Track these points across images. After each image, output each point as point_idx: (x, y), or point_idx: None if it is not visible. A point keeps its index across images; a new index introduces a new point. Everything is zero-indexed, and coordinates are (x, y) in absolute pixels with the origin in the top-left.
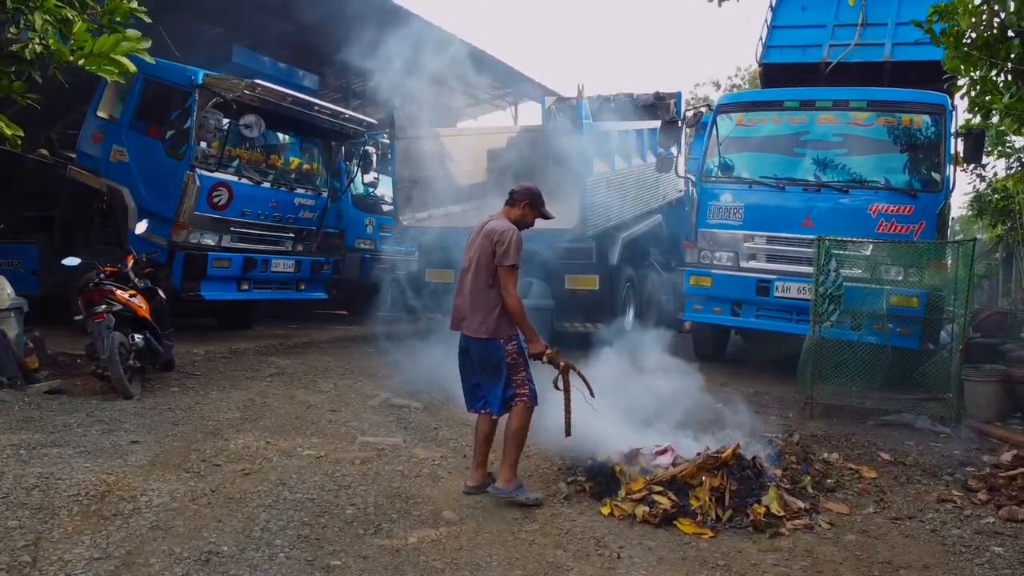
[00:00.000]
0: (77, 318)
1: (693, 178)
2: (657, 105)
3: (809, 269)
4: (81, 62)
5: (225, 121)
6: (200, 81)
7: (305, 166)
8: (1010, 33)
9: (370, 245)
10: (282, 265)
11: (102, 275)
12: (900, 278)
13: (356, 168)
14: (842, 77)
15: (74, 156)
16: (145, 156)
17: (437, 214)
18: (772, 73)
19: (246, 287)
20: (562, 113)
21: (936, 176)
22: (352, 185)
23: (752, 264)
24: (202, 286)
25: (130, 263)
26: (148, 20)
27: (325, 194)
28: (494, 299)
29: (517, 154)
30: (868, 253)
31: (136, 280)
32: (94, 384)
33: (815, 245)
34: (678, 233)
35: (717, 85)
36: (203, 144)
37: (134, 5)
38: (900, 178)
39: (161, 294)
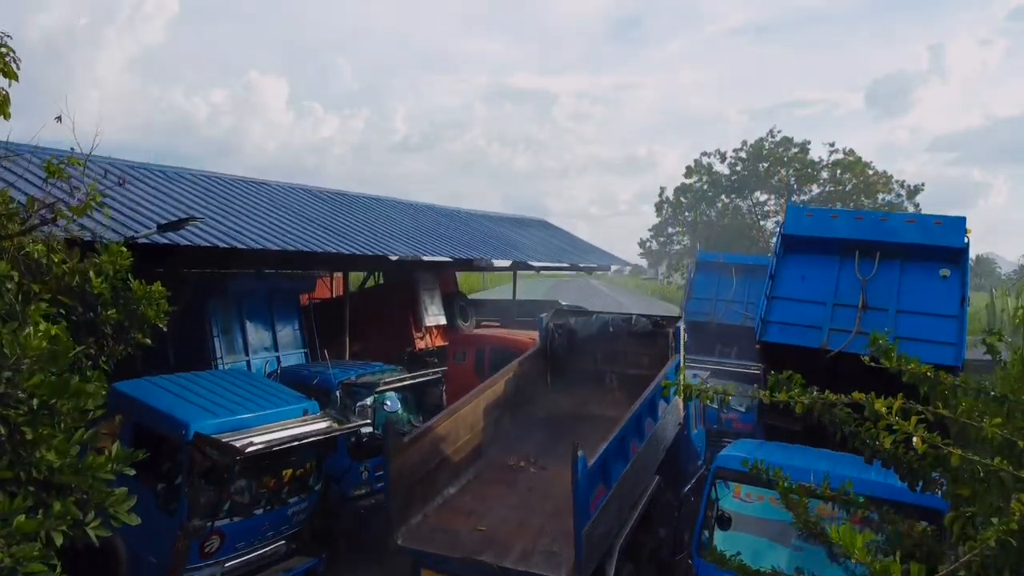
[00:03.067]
0: None
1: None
2: (656, 332)
3: None
4: None
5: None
6: (191, 438)
7: (299, 471)
8: None
9: (366, 490)
10: None
11: None
12: None
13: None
14: (843, 365)
15: None
16: (137, 505)
17: (432, 508)
18: (772, 352)
19: None
20: (560, 330)
21: None
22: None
23: None
24: None
25: None
26: (132, 473)
27: (318, 487)
28: None
29: (516, 391)
30: None
31: None
32: None
33: None
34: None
35: (722, 156)
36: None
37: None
38: None
39: None
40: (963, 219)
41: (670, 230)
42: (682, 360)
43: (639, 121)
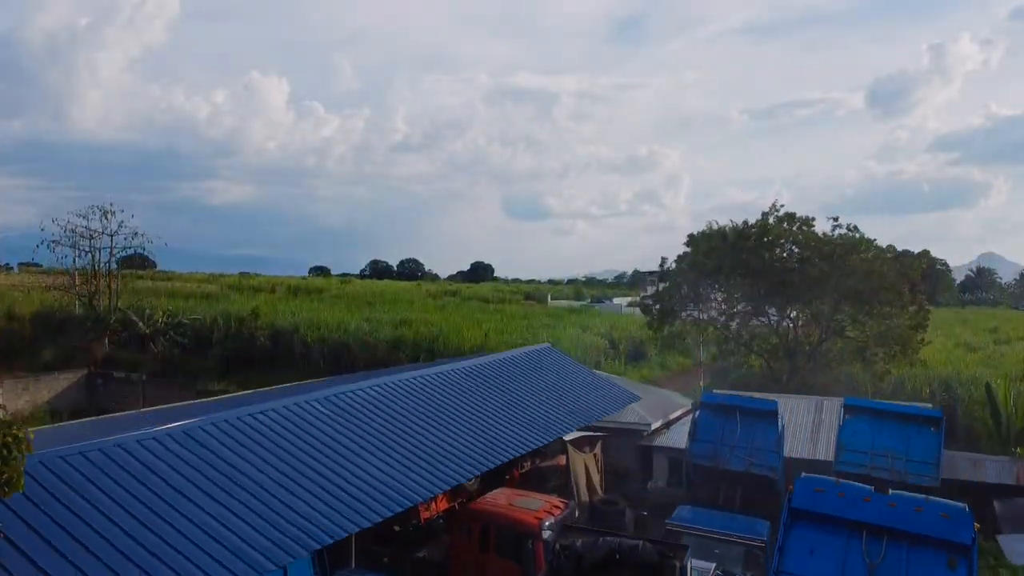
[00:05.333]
0: None
1: None
2: (663, 565)
3: None
4: None
5: None
6: None
7: None
8: None
9: None
10: None
11: None
12: None
13: None
14: None
15: None
16: None
17: None
18: None
19: None
20: (567, 552)
21: None
22: None
23: None
24: None
25: None
26: None
27: None
28: None
29: None
30: None
31: None
32: None
33: None
34: None
35: (724, 236)
36: None
37: None
38: None
39: None
40: (971, 515)
41: (669, 295)
42: None
43: (639, 121)
